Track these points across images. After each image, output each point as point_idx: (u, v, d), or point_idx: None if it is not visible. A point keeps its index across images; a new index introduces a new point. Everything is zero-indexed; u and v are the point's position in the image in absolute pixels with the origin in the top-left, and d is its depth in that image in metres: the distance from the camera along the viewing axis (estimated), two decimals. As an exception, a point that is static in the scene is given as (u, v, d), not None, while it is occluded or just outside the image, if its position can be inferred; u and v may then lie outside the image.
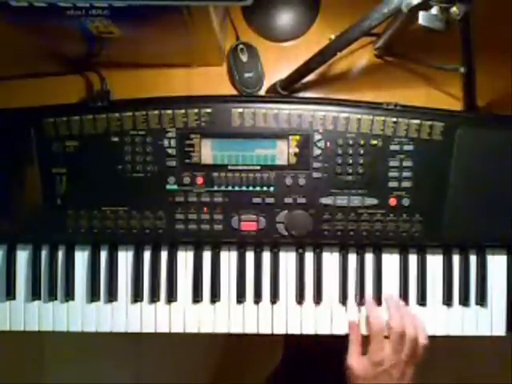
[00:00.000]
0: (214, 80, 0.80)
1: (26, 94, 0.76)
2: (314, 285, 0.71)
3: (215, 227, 0.69)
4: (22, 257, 0.72)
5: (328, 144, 0.68)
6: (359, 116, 0.68)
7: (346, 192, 0.68)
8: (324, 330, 0.71)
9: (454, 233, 0.69)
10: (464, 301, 0.71)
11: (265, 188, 0.69)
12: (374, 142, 0.68)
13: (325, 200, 0.68)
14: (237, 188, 0.69)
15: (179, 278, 0.71)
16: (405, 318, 0.67)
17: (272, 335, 0.71)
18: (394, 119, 0.68)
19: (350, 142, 0.68)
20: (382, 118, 0.68)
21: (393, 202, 0.68)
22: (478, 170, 0.69)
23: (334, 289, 0.71)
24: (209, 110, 0.68)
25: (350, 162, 0.68)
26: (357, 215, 0.69)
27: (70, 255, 0.71)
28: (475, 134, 0.69)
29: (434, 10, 0.60)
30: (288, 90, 0.77)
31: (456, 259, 0.72)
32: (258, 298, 0.70)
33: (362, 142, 0.68)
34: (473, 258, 0.72)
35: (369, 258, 0.72)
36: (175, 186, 0.68)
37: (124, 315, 0.71)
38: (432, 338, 0.68)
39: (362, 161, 0.68)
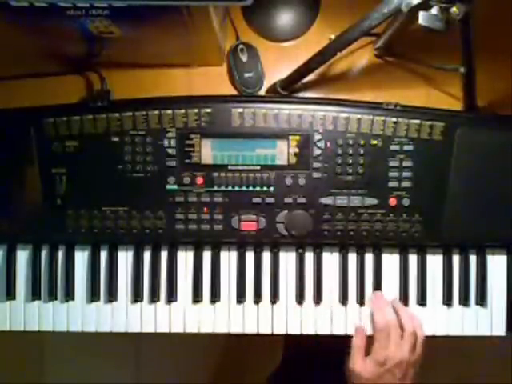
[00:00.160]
0: (214, 80, 0.80)
1: (26, 94, 0.76)
2: (314, 285, 0.71)
3: (215, 227, 0.69)
4: (22, 257, 0.72)
5: (328, 144, 0.68)
6: (359, 116, 0.68)
7: (345, 192, 0.68)
8: (324, 330, 0.71)
9: (453, 233, 0.69)
10: (464, 301, 0.71)
11: (265, 188, 0.69)
12: (374, 141, 0.68)
13: (325, 200, 0.68)
14: (237, 188, 0.69)
15: (179, 278, 0.71)
16: (400, 313, 0.68)
17: (272, 335, 0.71)
18: (394, 119, 0.68)
19: (350, 141, 0.68)
20: (382, 117, 0.68)
21: (393, 202, 0.68)
22: (478, 170, 0.69)
23: (334, 289, 0.71)
24: (209, 110, 0.68)
25: (350, 162, 0.68)
26: (357, 215, 0.69)
27: (69, 255, 0.71)
28: (475, 133, 0.69)
29: (434, 10, 0.60)
30: (288, 90, 0.77)
31: (456, 259, 0.72)
32: (257, 298, 0.70)
33: (362, 142, 0.68)
34: (473, 258, 0.72)
35: (369, 258, 0.72)
36: (175, 186, 0.68)
37: (124, 315, 0.71)
38: (432, 338, 0.68)
39: (361, 161, 0.68)
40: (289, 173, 0.68)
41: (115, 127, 0.68)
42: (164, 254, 0.71)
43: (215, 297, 0.70)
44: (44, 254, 0.72)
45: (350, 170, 0.68)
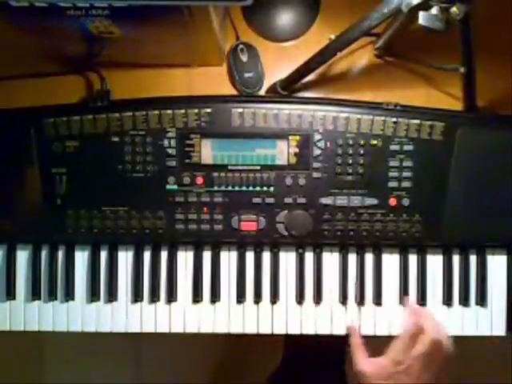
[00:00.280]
0: (214, 80, 0.80)
1: (26, 94, 0.76)
2: (314, 285, 0.71)
3: (215, 227, 0.69)
4: (22, 257, 0.72)
5: (328, 144, 0.68)
6: (359, 116, 0.68)
7: (345, 192, 0.68)
8: (324, 330, 0.71)
9: (453, 233, 0.69)
10: (464, 301, 0.71)
11: (265, 188, 0.69)
12: (374, 141, 0.68)
13: (325, 200, 0.68)
14: (237, 188, 0.69)
15: (179, 278, 0.71)
16: (429, 322, 0.66)
17: (272, 335, 0.71)
18: (394, 119, 0.68)
19: (350, 141, 0.68)
20: (382, 118, 0.68)
21: (393, 202, 0.68)
22: (478, 170, 0.69)
23: (334, 289, 0.71)
24: (209, 110, 0.68)
25: (350, 162, 0.68)
26: (357, 215, 0.69)
27: (69, 255, 0.71)
28: (475, 134, 0.69)
29: (434, 10, 0.60)
30: (288, 90, 0.77)
31: (456, 259, 0.72)
32: (257, 298, 0.70)
33: (362, 142, 0.68)
34: (473, 258, 0.72)
35: (369, 258, 0.72)
36: (175, 186, 0.68)
37: (124, 315, 0.71)
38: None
39: (361, 161, 0.68)
40: (289, 173, 0.68)
41: (115, 127, 0.68)
42: (164, 254, 0.71)
43: (215, 297, 0.70)
44: (44, 254, 0.72)
45: (350, 170, 0.68)
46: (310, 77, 0.76)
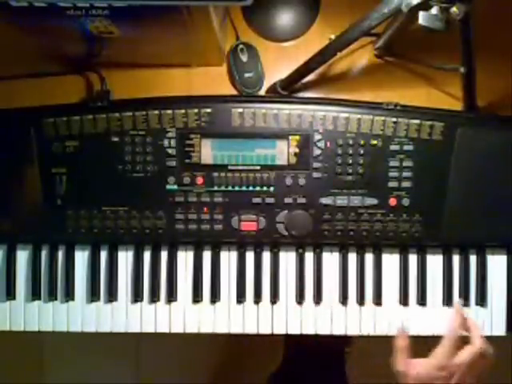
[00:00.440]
0: (214, 80, 0.80)
1: (26, 94, 0.76)
2: (314, 285, 0.71)
3: (215, 227, 0.69)
4: (22, 257, 0.72)
5: (328, 144, 0.68)
6: (359, 116, 0.68)
7: (345, 192, 0.68)
8: (324, 330, 0.71)
9: (453, 233, 0.69)
10: (464, 301, 0.71)
11: (265, 188, 0.69)
12: (374, 141, 0.68)
13: (325, 200, 0.68)
14: (237, 188, 0.69)
15: (179, 278, 0.71)
16: (476, 331, 0.65)
17: (272, 335, 0.71)
18: (394, 119, 0.68)
19: (350, 141, 0.68)
20: (382, 118, 0.68)
21: (393, 202, 0.68)
22: (478, 169, 0.69)
23: (333, 289, 0.71)
24: (209, 110, 0.68)
25: (350, 161, 0.68)
26: (357, 215, 0.69)
27: (69, 255, 0.71)
28: (475, 134, 0.69)
29: (434, 10, 0.60)
30: (288, 90, 0.77)
31: (456, 259, 0.72)
32: (257, 298, 0.70)
33: (362, 142, 0.68)
34: (473, 258, 0.72)
35: (369, 258, 0.72)
36: (175, 186, 0.68)
37: (124, 315, 0.71)
38: (432, 338, 0.68)
39: (361, 161, 0.68)
40: (289, 173, 0.68)
41: (115, 127, 0.68)
42: (164, 254, 0.71)
43: (215, 297, 0.70)
44: (44, 254, 0.72)
45: (350, 170, 0.68)
46: (310, 77, 0.76)
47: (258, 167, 0.68)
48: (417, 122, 0.68)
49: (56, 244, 0.72)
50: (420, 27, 0.60)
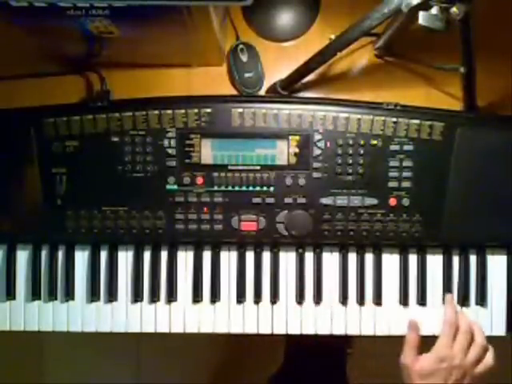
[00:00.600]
0: (214, 80, 0.80)
1: (26, 94, 0.76)
2: (314, 285, 0.71)
3: (215, 227, 0.69)
4: (22, 257, 0.72)
5: (328, 144, 0.68)
6: (359, 116, 0.68)
7: (345, 192, 0.68)
8: (324, 330, 0.71)
9: (453, 233, 0.69)
10: (464, 301, 0.71)
11: (265, 188, 0.69)
12: (374, 141, 0.68)
13: (325, 200, 0.68)
14: (237, 188, 0.69)
15: (179, 278, 0.71)
16: (475, 328, 0.67)
17: (272, 335, 0.71)
18: (394, 119, 0.68)
19: (350, 141, 0.68)
20: (382, 118, 0.68)
21: (393, 202, 0.68)
22: (478, 169, 0.69)
23: (333, 289, 0.71)
24: (209, 110, 0.68)
25: (350, 161, 0.68)
26: (357, 215, 0.69)
27: (69, 255, 0.71)
28: (475, 134, 0.69)
29: (434, 10, 0.60)
30: (288, 90, 0.77)
31: (456, 259, 0.72)
32: (257, 298, 0.70)
33: (362, 142, 0.68)
34: (473, 258, 0.72)
35: (369, 258, 0.72)
36: (175, 186, 0.68)
37: (124, 315, 0.71)
38: (432, 338, 0.68)
39: (361, 161, 0.68)
40: (289, 173, 0.68)
41: (115, 127, 0.68)
42: (164, 254, 0.71)
43: (215, 297, 0.70)
44: (44, 254, 0.72)
45: (350, 170, 0.68)
46: (310, 77, 0.76)
47: (258, 167, 0.68)
48: (417, 122, 0.68)
49: (56, 244, 0.72)
50: (420, 27, 0.60)
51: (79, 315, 0.71)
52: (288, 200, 0.68)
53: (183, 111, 0.68)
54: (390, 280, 0.71)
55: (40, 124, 0.68)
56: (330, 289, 0.71)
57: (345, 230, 0.69)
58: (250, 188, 0.69)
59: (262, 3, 0.78)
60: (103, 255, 0.72)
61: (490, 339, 0.70)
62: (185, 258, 0.72)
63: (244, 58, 0.78)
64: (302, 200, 0.68)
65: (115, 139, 0.68)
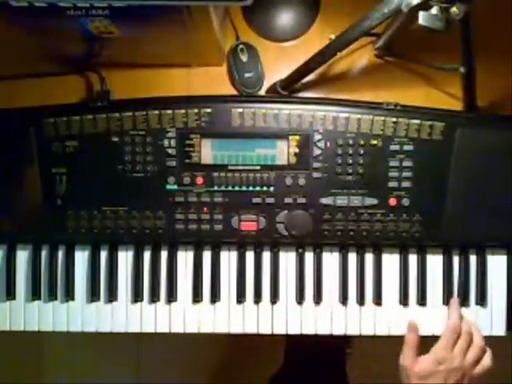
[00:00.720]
0: (214, 80, 0.80)
1: (26, 94, 0.76)
2: (314, 285, 0.71)
3: (215, 227, 0.69)
4: (22, 257, 0.72)
5: (328, 144, 0.68)
6: (359, 116, 0.68)
7: (345, 192, 0.68)
8: (324, 330, 0.71)
9: (453, 233, 0.69)
10: (464, 301, 0.71)
11: (265, 188, 0.69)
12: (374, 141, 0.68)
13: (325, 200, 0.68)
14: (237, 188, 0.69)
15: (179, 278, 0.71)
16: (474, 331, 0.67)
17: (272, 335, 0.71)
18: (394, 119, 0.68)
19: (350, 141, 0.68)
20: (382, 118, 0.68)
21: (393, 202, 0.68)
22: (478, 169, 0.69)
23: (333, 289, 0.71)
24: (209, 110, 0.68)
25: (350, 161, 0.68)
26: (357, 215, 0.69)
27: (69, 255, 0.71)
28: (475, 133, 0.69)
29: (434, 10, 0.60)
30: (288, 90, 0.77)
31: (456, 259, 0.72)
32: (257, 298, 0.70)
33: (362, 142, 0.68)
34: (473, 258, 0.72)
35: (369, 258, 0.72)
36: (175, 186, 0.68)
37: (124, 315, 0.71)
38: (432, 338, 0.68)
39: (361, 161, 0.68)
40: (289, 173, 0.68)
41: (115, 127, 0.68)
42: (164, 254, 0.71)
43: (215, 297, 0.70)
44: (44, 254, 0.72)
45: (350, 170, 0.68)
46: (310, 77, 0.76)
47: (258, 167, 0.68)
48: (417, 122, 0.68)
49: (56, 244, 0.72)
50: (420, 27, 0.60)
51: (79, 315, 0.71)
52: (288, 200, 0.68)
53: (183, 111, 0.68)
54: (389, 280, 0.71)
55: (40, 124, 0.68)
56: (330, 289, 0.71)
57: (345, 230, 0.69)
58: (250, 188, 0.69)
59: (262, 3, 0.78)
60: (103, 255, 0.72)
61: (490, 339, 0.70)
62: (185, 258, 0.72)
63: (244, 58, 0.78)
64: (301, 200, 0.68)
65: (115, 139, 0.68)
